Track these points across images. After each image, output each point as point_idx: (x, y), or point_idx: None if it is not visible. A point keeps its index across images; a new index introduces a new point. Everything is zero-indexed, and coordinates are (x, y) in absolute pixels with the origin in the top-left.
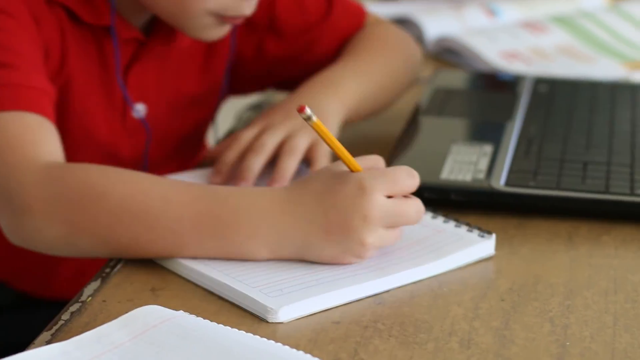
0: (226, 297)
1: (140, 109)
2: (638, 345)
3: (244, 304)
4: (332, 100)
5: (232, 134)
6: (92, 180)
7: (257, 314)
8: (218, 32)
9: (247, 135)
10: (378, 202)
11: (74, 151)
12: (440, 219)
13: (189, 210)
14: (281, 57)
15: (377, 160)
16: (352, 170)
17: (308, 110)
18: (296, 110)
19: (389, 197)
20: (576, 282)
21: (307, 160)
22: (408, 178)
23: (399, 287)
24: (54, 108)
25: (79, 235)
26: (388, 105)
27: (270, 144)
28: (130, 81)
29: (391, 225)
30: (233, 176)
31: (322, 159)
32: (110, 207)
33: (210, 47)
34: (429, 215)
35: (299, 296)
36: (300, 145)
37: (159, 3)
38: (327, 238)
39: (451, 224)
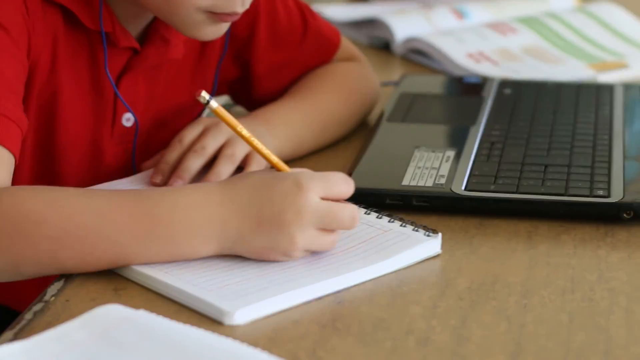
0: (182, 302)
1: (129, 118)
2: (593, 343)
3: (200, 307)
4: (266, 137)
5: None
6: (27, 207)
7: (214, 317)
8: (213, 30)
9: (190, 135)
10: (312, 200)
11: (60, 158)
12: (385, 219)
13: (126, 218)
14: (248, 76)
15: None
16: (276, 168)
17: (205, 94)
18: (195, 96)
19: (324, 200)
20: (534, 281)
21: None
22: (344, 184)
23: (359, 287)
24: (20, 139)
25: (23, 264)
26: (331, 142)
27: (210, 146)
28: (121, 90)
29: (324, 227)
30: (171, 175)
31: (255, 166)
32: (50, 234)
33: (201, 58)
34: (374, 215)
35: (255, 298)
36: (238, 153)
37: (153, 9)
38: (258, 230)
39: (396, 223)
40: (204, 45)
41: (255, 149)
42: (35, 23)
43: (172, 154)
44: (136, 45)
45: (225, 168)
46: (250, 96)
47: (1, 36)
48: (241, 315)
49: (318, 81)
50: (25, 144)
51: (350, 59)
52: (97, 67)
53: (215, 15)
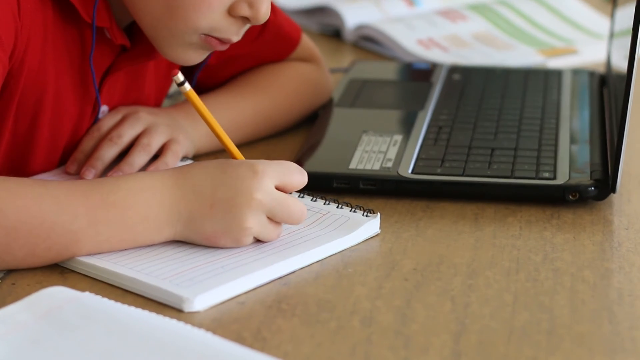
0: (133, 291)
1: (104, 111)
2: (536, 322)
3: (155, 295)
4: (188, 130)
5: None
6: None
7: (171, 305)
8: (196, 56)
9: (107, 123)
10: (267, 187)
11: (37, 151)
12: (320, 202)
13: (82, 205)
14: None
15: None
16: (232, 155)
17: (180, 76)
18: (171, 75)
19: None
20: (479, 262)
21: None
22: (298, 174)
23: (305, 269)
24: None
25: None
26: (263, 136)
27: (127, 135)
28: (105, 85)
29: (274, 217)
30: (84, 164)
31: (169, 156)
32: (6, 224)
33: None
34: (308, 198)
35: (211, 284)
36: (154, 143)
37: (146, 16)
38: (210, 212)
39: (332, 205)
40: None
41: (218, 136)
42: (25, 21)
43: (88, 143)
44: (127, 43)
45: (139, 158)
46: (199, 83)
47: None
48: (200, 301)
49: (259, 79)
50: (2, 136)
51: (308, 59)
52: (86, 62)
53: (209, 39)
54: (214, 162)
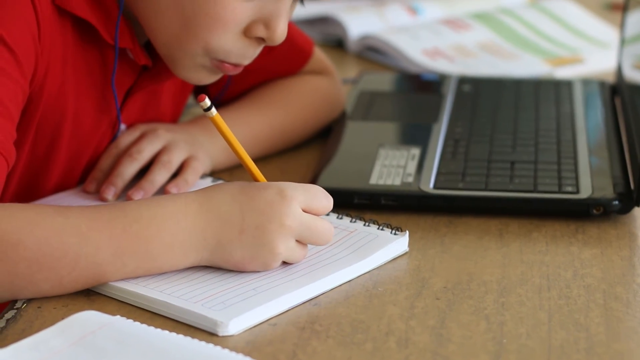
0: (163, 314)
1: (123, 130)
2: (573, 341)
3: (187, 319)
4: (206, 145)
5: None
6: (3, 228)
7: (203, 328)
8: (209, 76)
9: (125, 140)
10: (297, 211)
11: (54, 172)
12: (346, 219)
13: (106, 236)
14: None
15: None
16: (255, 178)
17: (207, 101)
18: (196, 100)
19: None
20: (509, 279)
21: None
22: (325, 199)
23: (334, 288)
24: (5, 173)
25: None
26: (279, 150)
27: (147, 151)
28: (126, 106)
29: (303, 240)
30: (104, 182)
31: (189, 173)
32: (27, 255)
33: None
34: (334, 216)
35: (244, 307)
36: (174, 160)
37: (161, 35)
38: (239, 239)
39: (359, 223)
40: None
41: (242, 160)
42: (45, 45)
43: (107, 160)
44: (150, 62)
45: (160, 175)
46: (215, 96)
47: (6, 58)
48: (235, 325)
49: (275, 93)
50: (19, 157)
51: (321, 71)
52: (108, 83)
53: (220, 64)
54: (238, 185)
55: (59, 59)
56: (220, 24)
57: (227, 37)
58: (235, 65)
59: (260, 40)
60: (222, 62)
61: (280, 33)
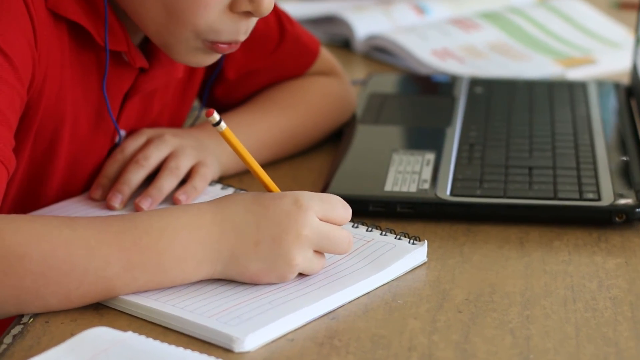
0: (176, 329)
1: (123, 136)
2: (603, 356)
3: (201, 334)
4: (214, 149)
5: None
6: (8, 240)
7: (218, 344)
8: (207, 58)
9: (131, 146)
10: (314, 221)
11: (53, 179)
12: (362, 228)
13: (115, 250)
14: (218, 80)
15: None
16: (267, 189)
17: (216, 115)
18: (204, 114)
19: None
20: (533, 291)
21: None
22: (343, 208)
23: (351, 301)
24: (6, 180)
25: (3, 301)
26: (286, 157)
27: (154, 157)
28: (125, 108)
29: (322, 250)
30: (110, 189)
31: (198, 180)
32: (34, 269)
33: (191, 75)
34: (350, 225)
35: (261, 321)
36: (182, 166)
37: (150, 24)
38: (254, 251)
39: (376, 232)
40: None
41: (254, 172)
42: (42, 50)
43: (112, 167)
44: (146, 64)
45: (168, 182)
46: (218, 100)
47: (2, 65)
48: (251, 341)
49: (283, 96)
50: (18, 164)
51: (328, 72)
52: (103, 84)
53: (213, 45)
54: (251, 195)
55: (57, 64)
56: (202, 3)
57: (213, 15)
58: (229, 44)
59: (248, 14)
60: (215, 42)
61: (266, 4)
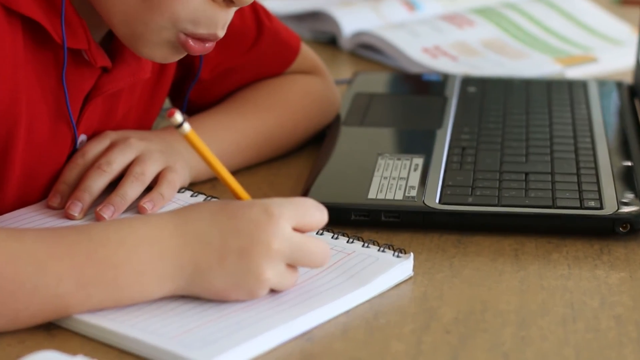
0: (133, 352)
1: (82, 140)
2: None
3: (161, 358)
4: (184, 154)
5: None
6: None
7: None
8: (174, 54)
9: (93, 150)
10: (285, 232)
11: (18, 186)
12: (342, 239)
13: (68, 265)
14: (192, 79)
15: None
16: (237, 196)
17: (179, 116)
18: (166, 115)
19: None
20: (529, 309)
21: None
22: (317, 211)
23: (329, 320)
24: None
25: None
26: (264, 161)
27: (118, 162)
28: (85, 110)
29: (295, 263)
30: (69, 197)
31: (165, 187)
32: None
33: (160, 77)
34: (328, 236)
35: (227, 344)
36: (148, 172)
37: (118, 13)
38: (221, 264)
39: (357, 244)
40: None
41: (222, 178)
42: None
43: (72, 172)
44: (109, 63)
45: (132, 189)
46: (192, 101)
47: None
48: None
49: (261, 95)
50: None
51: (310, 70)
52: (61, 85)
53: (185, 41)
54: (218, 203)
55: (8, 64)
56: None
57: (192, 4)
58: (203, 40)
59: (230, 2)
60: (189, 36)
61: None
